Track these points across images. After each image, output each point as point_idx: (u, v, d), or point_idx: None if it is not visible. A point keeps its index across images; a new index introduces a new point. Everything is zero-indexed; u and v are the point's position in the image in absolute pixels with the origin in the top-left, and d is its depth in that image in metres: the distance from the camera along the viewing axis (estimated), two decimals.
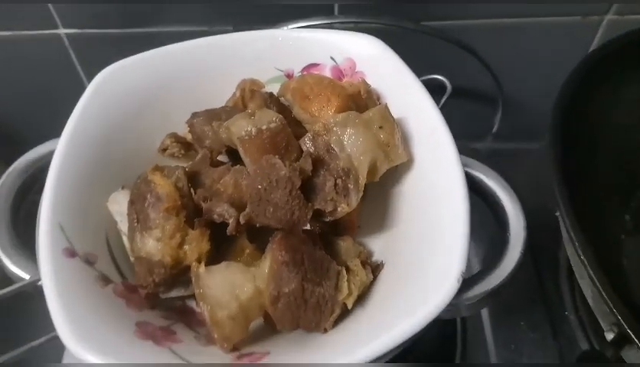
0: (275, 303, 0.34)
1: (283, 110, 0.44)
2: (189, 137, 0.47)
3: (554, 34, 0.65)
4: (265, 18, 0.61)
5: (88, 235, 0.39)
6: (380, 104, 0.44)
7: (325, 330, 0.35)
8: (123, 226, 0.40)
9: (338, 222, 0.40)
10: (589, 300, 0.44)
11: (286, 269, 0.34)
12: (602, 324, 0.42)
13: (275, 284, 0.34)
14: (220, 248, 0.39)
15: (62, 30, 0.67)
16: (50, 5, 0.63)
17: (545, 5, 0.61)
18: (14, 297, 0.39)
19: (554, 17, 0.63)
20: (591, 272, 0.39)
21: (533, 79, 0.70)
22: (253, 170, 0.36)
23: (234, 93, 0.47)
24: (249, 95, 0.46)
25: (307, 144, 0.39)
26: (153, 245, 0.37)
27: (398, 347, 0.32)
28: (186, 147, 0.46)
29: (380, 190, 0.43)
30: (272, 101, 0.44)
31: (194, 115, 0.44)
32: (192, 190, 0.39)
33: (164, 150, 0.46)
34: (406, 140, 0.42)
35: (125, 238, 0.40)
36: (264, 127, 0.37)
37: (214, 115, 0.43)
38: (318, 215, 0.37)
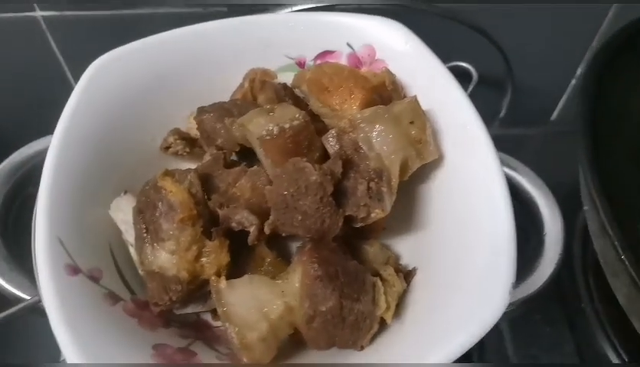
0: (311, 322, 0.31)
1: (298, 103, 0.40)
2: (193, 132, 0.43)
3: (563, 19, 0.63)
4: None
5: (90, 248, 0.35)
6: (404, 96, 0.40)
7: (362, 348, 0.33)
8: (129, 236, 0.36)
9: (364, 225, 0.37)
10: (621, 298, 0.43)
11: (321, 284, 0.31)
12: (636, 323, 0.41)
13: (311, 302, 0.31)
14: (238, 257, 0.36)
15: (39, 13, 0.61)
16: None
17: None
18: (10, 318, 0.35)
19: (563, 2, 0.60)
20: (632, 272, 0.37)
21: (540, 64, 0.67)
22: (278, 174, 0.33)
23: (241, 84, 0.43)
24: (259, 86, 0.42)
25: (330, 142, 0.36)
26: (167, 259, 0.33)
27: None
28: (190, 144, 0.42)
29: (405, 188, 0.40)
30: (287, 93, 0.40)
31: (202, 110, 0.40)
32: (205, 196, 0.35)
33: (167, 148, 0.42)
34: (435, 135, 0.38)
35: (132, 250, 0.36)
36: (286, 125, 0.34)
37: (225, 111, 0.39)
38: (347, 221, 0.34)
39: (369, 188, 0.33)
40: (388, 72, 0.40)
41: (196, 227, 0.33)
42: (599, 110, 0.48)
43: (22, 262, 0.40)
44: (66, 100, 0.70)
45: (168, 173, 0.34)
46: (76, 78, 0.68)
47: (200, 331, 0.36)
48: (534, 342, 0.55)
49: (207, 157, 0.40)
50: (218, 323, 0.37)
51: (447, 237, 0.37)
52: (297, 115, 0.34)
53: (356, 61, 0.43)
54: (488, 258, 0.33)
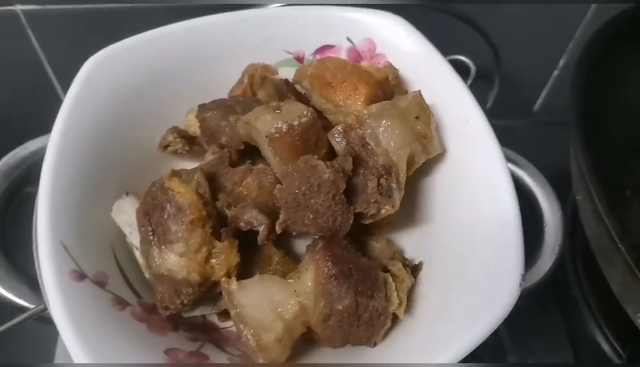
0: (327, 321, 0.31)
1: (300, 99, 0.40)
2: (191, 130, 0.42)
3: (546, 12, 0.63)
4: None
5: (95, 252, 0.34)
6: (406, 91, 0.40)
7: (375, 344, 0.33)
8: (134, 239, 0.35)
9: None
10: (615, 286, 0.44)
11: (336, 283, 0.31)
12: (630, 311, 0.42)
13: (326, 301, 0.31)
14: (245, 257, 0.36)
15: (19, 7, 0.59)
16: None
17: None
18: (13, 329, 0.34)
19: None
20: (630, 260, 0.38)
21: (525, 56, 0.68)
22: (289, 172, 0.32)
23: (240, 80, 0.43)
24: (260, 82, 0.41)
25: (337, 138, 0.36)
26: (176, 261, 0.32)
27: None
28: (189, 142, 0.42)
29: (409, 183, 0.40)
30: (289, 89, 0.39)
31: (203, 107, 0.39)
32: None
33: (166, 146, 0.41)
34: (439, 129, 0.38)
35: (137, 253, 0.36)
36: (295, 122, 0.33)
37: (228, 108, 0.38)
38: (357, 217, 0.34)
39: (379, 184, 0.33)
40: (391, 66, 0.40)
41: (205, 228, 0.33)
42: (589, 100, 0.49)
43: (21, 269, 0.38)
44: (48, 96, 0.68)
45: (175, 174, 0.33)
46: (57, 73, 0.67)
47: (208, 333, 0.36)
48: (529, 330, 0.56)
49: (209, 156, 0.39)
50: (226, 324, 0.37)
51: (452, 230, 0.37)
52: (305, 112, 0.34)
53: (356, 55, 0.43)
54: (495, 251, 0.33)
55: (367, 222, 0.35)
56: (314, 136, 0.34)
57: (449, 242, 0.37)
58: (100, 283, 0.33)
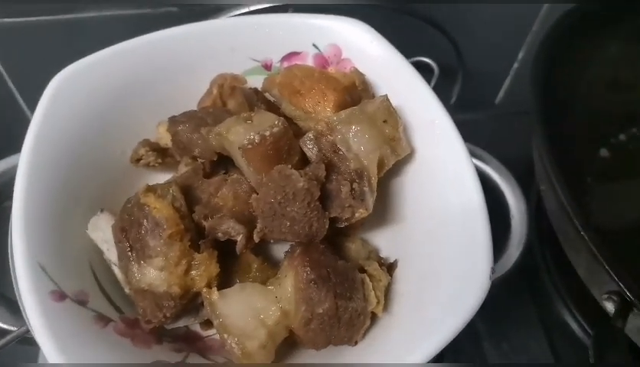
0: (308, 325, 0.32)
1: (270, 107, 0.41)
2: (162, 142, 0.43)
3: (503, 7, 0.66)
4: None
5: (73, 270, 0.34)
6: (373, 95, 0.41)
7: (356, 343, 0.34)
8: (111, 255, 0.36)
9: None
10: (581, 271, 0.46)
11: (315, 287, 0.32)
12: (596, 293, 0.44)
13: (307, 306, 0.31)
14: (223, 266, 0.36)
15: None
16: None
17: None
18: None
19: None
20: (593, 248, 0.40)
21: (485, 51, 0.70)
22: (264, 182, 0.33)
23: (209, 90, 0.43)
24: (229, 91, 0.42)
25: (308, 145, 0.37)
26: (156, 275, 0.33)
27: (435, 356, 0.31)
28: (162, 154, 0.42)
29: (380, 184, 0.41)
30: (259, 98, 0.40)
31: (174, 120, 0.39)
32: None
33: (138, 160, 0.41)
34: (406, 131, 0.40)
35: (115, 269, 0.36)
36: (267, 132, 0.34)
37: (199, 120, 0.38)
38: (332, 221, 0.35)
39: (352, 189, 0.34)
40: (357, 72, 0.41)
41: (184, 241, 0.33)
42: (548, 93, 0.51)
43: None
44: (11, 111, 0.67)
45: (150, 189, 0.34)
46: (20, 89, 0.65)
47: (192, 343, 0.36)
48: (500, 314, 0.58)
49: (182, 168, 0.40)
50: (209, 333, 0.37)
51: (423, 227, 0.39)
52: (276, 122, 0.34)
53: (323, 61, 0.43)
54: (465, 245, 0.35)
55: (342, 226, 0.35)
56: (286, 145, 0.35)
57: (422, 239, 0.38)
58: (81, 301, 0.33)
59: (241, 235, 0.34)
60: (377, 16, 0.56)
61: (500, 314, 0.58)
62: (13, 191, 0.35)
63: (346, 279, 0.34)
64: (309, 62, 0.44)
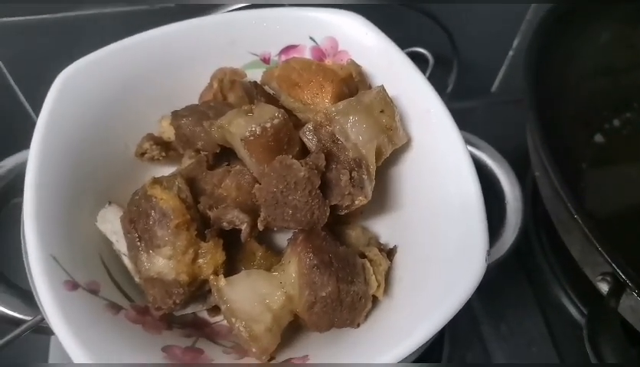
0: (312, 308, 0.33)
1: (270, 100, 0.42)
2: (165, 136, 0.44)
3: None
4: None
5: (84, 261, 0.35)
6: (370, 86, 0.43)
7: (358, 325, 0.35)
8: (121, 246, 0.37)
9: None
10: (575, 252, 0.47)
11: (318, 272, 0.33)
12: (590, 274, 0.46)
13: (311, 290, 0.33)
14: (229, 254, 0.37)
15: None
16: None
17: None
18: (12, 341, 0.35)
19: None
20: (586, 229, 0.42)
21: (480, 40, 0.71)
22: (265, 172, 0.34)
23: (210, 84, 0.44)
24: (229, 85, 0.43)
25: (308, 136, 0.38)
26: (164, 264, 0.34)
27: (435, 335, 0.33)
28: (165, 148, 0.43)
29: (379, 173, 0.42)
30: (259, 91, 0.41)
31: (177, 114, 0.40)
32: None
33: (143, 154, 0.42)
34: (403, 120, 0.41)
35: (125, 259, 0.37)
36: (268, 124, 0.35)
37: (201, 114, 0.40)
38: (332, 209, 0.36)
39: (351, 177, 0.35)
40: (354, 63, 0.42)
41: (190, 231, 0.34)
42: (541, 80, 0.53)
43: (11, 282, 0.39)
44: (12, 109, 0.68)
45: (157, 182, 0.35)
46: (21, 86, 0.66)
47: (200, 329, 0.38)
48: (498, 298, 0.60)
49: (186, 161, 0.41)
50: (216, 319, 0.39)
51: (421, 214, 0.40)
52: (276, 114, 0.36)
53: (320, 54, 0.44)
54: (461, 230, 0.36)
55: (342, 213, 0.37)
56: (286, 136, 0.36)
57: (420, 225, 0.39)
58: (93, 290, 0.34)
59: (245, 224, 0.35)
60: (373, 8, 0.57)
61: (497, 297, 0.60)
62: (19, 189, 0.36)
63: (347, 264, 0.35)
64: (307, 55, 0.45)
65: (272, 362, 0.34)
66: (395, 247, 0.40)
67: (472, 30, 0.69)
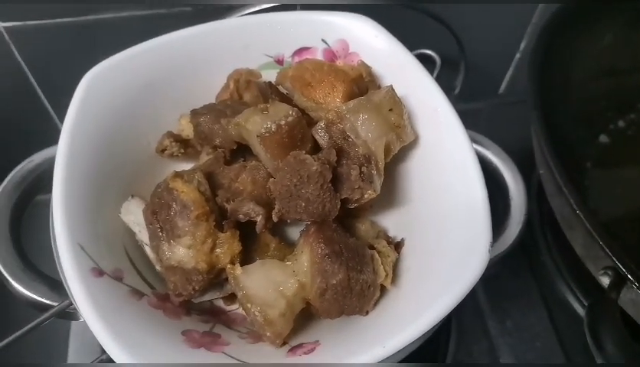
0: (323, 295, 0.35)
1: (283, 99, 0.44)
2: (184, 134, 0.46)
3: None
4: None
5: (109, 250, 0.38)
6: (379, 86, 0.44)
7: (367, 313, 0.37)
8: (143, 237, 0.39)
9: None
10: (578, 248, 0.49)
11: (329, 261, 0.35)
12: (592, 269, 0.47)
13: (322, 278, 0.35)
14: (245, 246, 0.39)
15: (0, 24, 0.61)
16: None
17: None
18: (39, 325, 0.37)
19: None
20: (587, 224, 0.43)
21: (488, 42, 0.73)
22: (280, 167, 0.36)
23: (227, 85, 0.46)
24: (245, 85, 0.45)
25: (320, 133, 0.40)
26: (184, 253, 0.36)
27: (441, 322, 0.34)
28: (184, 145, 0.45)
29: (387, 169, 0.44)
30: (273, 90, 0.43)
31: (196, 113, 0.43)
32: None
33: (163, 150, 0.44)
34: (411, 119, 0.43)
35: (147, 249, 0.39)
36: (282, 122, 0.37)
37: (219, 112, 0.42)
38: (343, 203, 0.38)
39: (361, 172, 0.37)
40: (364, 64, 0.44)
41: (209, 222, 0.36)
42: (545, 81, 0.54)
43: (39, 270, 0.42)
44: (35, 110, 0.70)
45: (178, 175, 0.37)
46: (43, 87, 0.69)
47: (217, 316, 0.40)
48: (504, 294, 0.61)
49: (204, 157, 0.43)
50: (232, 308, 0.41)
51: (428, 209, 0.42)
52: (290, 112, 0.38)
53: (331, 55, 0.46)
54: (466, 223, 0.38)
55: (352, 207, 0.39)
56: (300, 133, 0.38)
57: (426, 220, 0.41)
58: (117, 277, 0.36)
59: (260, 216, 0.37)
60: (382, 11, 0.59)
61: (503, 293, 0.61)
62: (48, 182, 0.38)
63: (357, 254, 0.37)
64: (319, 56, 0.47)
65: (285, 345, 0.36)
66: (402, 240, 0.41)
67: (480, 34, 0.70)
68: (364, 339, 0.35)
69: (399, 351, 0.32)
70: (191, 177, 0.37)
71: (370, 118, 0.39)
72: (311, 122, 0.41)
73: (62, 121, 0.40)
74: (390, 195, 0.44)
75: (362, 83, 0.43)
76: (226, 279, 0.37)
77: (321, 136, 0.40)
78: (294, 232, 0.44)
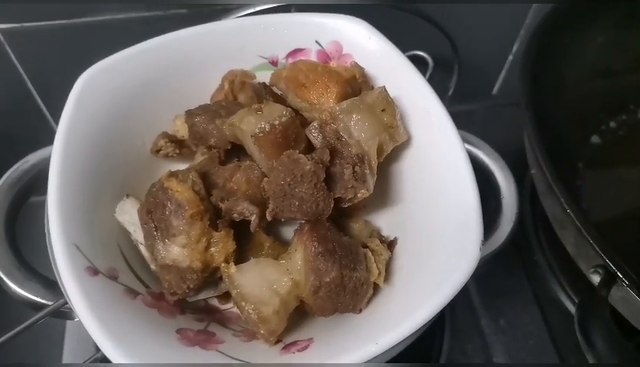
0: (317, 293, 0.35)
1: (278, 100, 0.44)
2: (179, 134, 0.46)
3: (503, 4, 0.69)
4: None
5: (104, 249, 0.38)
6: (373, 87, 0.45)
7: (360, 311, 0.37)
8: (138, 236, 0.39)
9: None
10: (569, 247, 0.49)
11: (323, 259, 0.35)
12: (584, 267, 0.48)
13: (316, 275, 0.35)
14: (239, 245, 0.40)
15: None
16: None
17: None
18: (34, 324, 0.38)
19: None
20: (578, 223, 0.44)
21: (481, 44, 0.74)
22: (274, 166, 0.37)
23: (221, 85, 0.46)
24: (240, 86, 0.45)
25: (313, 133, 0.40)
26: (179, 252, 0.37)
27: (433, 319, 0.35)
28: (179, 145, 0.45)
29: (380, 169, 0.45)
30: (267, 91, 0.43)
31: (191, 113, 0.43)
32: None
33: (158, 151, 0.45)
34: (403, 119, 0.43)
35: (142, 248, 0.39)
36: (276, 122, 0.38)
37: (214, 112, 0.42)
38: (336, 202, 0.38)
39: (354, 172, 0.38)
40: (357, 65, 0.44)
41: (204, 221, 0.37)
42: (538, 83, 0.55)
43: (34, 270, 0.42)
44: (30, 111, 0.70)
45: (173, 175, 0.37)
46: (38, 88, 0.69)
47: (211, 314, 0.40)
48: (497, 293, 0.62)
49: (198, 157, 0.43)
50: (226, 306, 0.41)
51: (421, 208, 0.42)
52: (284, 112, 0.38)
53: (325, 57, 0.47)
54: (458, 222, 0.38)
55: (345, 206, 0.39)
56: (293, 133, 0.39)
57: (419, 219, 0.42)
58: (112, 277, 0.36)
59: (255, 215, 0.37)
60: (375, 13, 0.59)
61: (496, 292, 0.62)
62: (43, 182, 0.38)
63: (350, 252, 0.37)
64: (313, 57, 0.47)
65: (279, 343, 0.36)
66: (395, 239, 0.42)
67: (473, 35, 0.71)
68: (357, 336, 0.35)
69: (391, 348, 0.33)
70: (186, 177, 0.38)
71: (363, 118, 0.40)
72: (305, 122, 0.42)
73: (57, 122, 0.40)
74: (383, 195, 0.45)
75: (355, 84, 0.44)
76: (221, 278, 0.38)
77: (314, 136, 0.40)
78: (288, 231, 0.44)
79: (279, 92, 0.45)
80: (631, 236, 0.60)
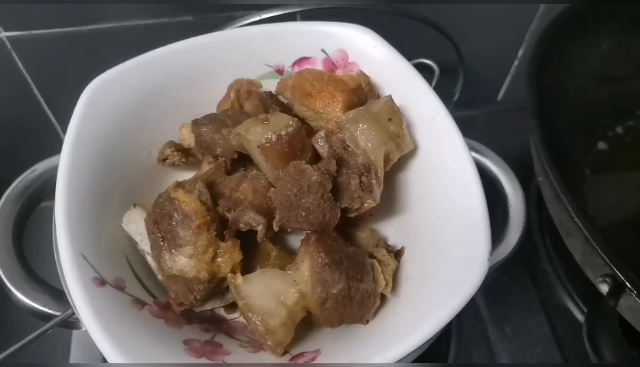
0: (324, 304, 0.35)
1: (284, 109, 0.44)
2: (185, 143, 0.46)
3: (502, 7, 0.69)
4: (220, 9, 0.60)
5: (111, 260, 0.38)
6: (379, 95, 0.45)
7: (367, 321, 0.37)
8: (145, 246, 0.39)
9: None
10: (577, 255, 0.49)
11: (330, 270, 0.35)
12: (591, 276, 0.47)
13: (323, 287, 0.35)
14: (246, 255, 0.40)
15: (4, 34, 0.61)
16: None
17: None
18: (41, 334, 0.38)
19: None
20: (585, 232, 0.43)
21: (486, 50, 0.74)
22: (280, 176, 0.37)
23: (228, 95, 0.47)
24: (246, 95, 0.46)
25: (320, 142, 0.40)
26: (185, 262, 0.37)
27: (441, 331, 0.35)
28: (185, 154, 0.45)
29: (387, 178, 0.44)
30: (273, 100, 0.44)
31: (197, 123, 0.43)
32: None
33: (164, 160, 0.45)
34: (409, 128, 0.43)
35: (149, 258, 0.39)
36: (283, 132, 0.38)
37: (220, 122, 0.42)
38: (343, 212, 0.38)
39: (361, 182, 0.38)
40: (363, 74, 0.44)
41: (210, 231, 0.37)
42: (543, 89, 0.55)
43: (42, 280, 0.42)
44: (38, 120, 0.71)
45: (179, 185, 0.37)
46: (45, 97, 0.69)
47: (218, 324, 0.40)
48: (504, 300, 0.62)
49: (205, 166, 0.43)
50: (232, 316, 0.41)
51: (427, 217, 0.42)
52: (290, 122, 0.38)
53: (331, 65, 0.47)
54: (466, 231, 0.38)
55: (352, 216, 0.39)
56: (300, 143, 0.39)
57: (426, 228, 0.41)
58: (119, 287, 0.36)
59: (261, 225, 0.37)
60: (381, 21, 0.59)
61: (503, 300, 0.62)
62: (50, 191, 0.38)
63: (357, 263, 0.37)
64: (318, 66, 0.47)
65: (286, 355, 0.36)
66: (402, 248, 0.42)
67: (478, 42, 0.71)
68: (364, 347, 0.35)
69: (399, 360, 0.33)
70: (193, 187, 0.38)
71: (369, 127, 0.40)
72: (311, 132, 0.42)
73: (64, 130, 0.41)
74: (389, 204, 0.44)
75: (361, 93, 0.44)
76: (227, 288, 0.38)
77: (321, 146, 0.40)
78: (295, 241, 0.44)
79: (285, 101, 0.45)
80: (637, 243, 0.60)
